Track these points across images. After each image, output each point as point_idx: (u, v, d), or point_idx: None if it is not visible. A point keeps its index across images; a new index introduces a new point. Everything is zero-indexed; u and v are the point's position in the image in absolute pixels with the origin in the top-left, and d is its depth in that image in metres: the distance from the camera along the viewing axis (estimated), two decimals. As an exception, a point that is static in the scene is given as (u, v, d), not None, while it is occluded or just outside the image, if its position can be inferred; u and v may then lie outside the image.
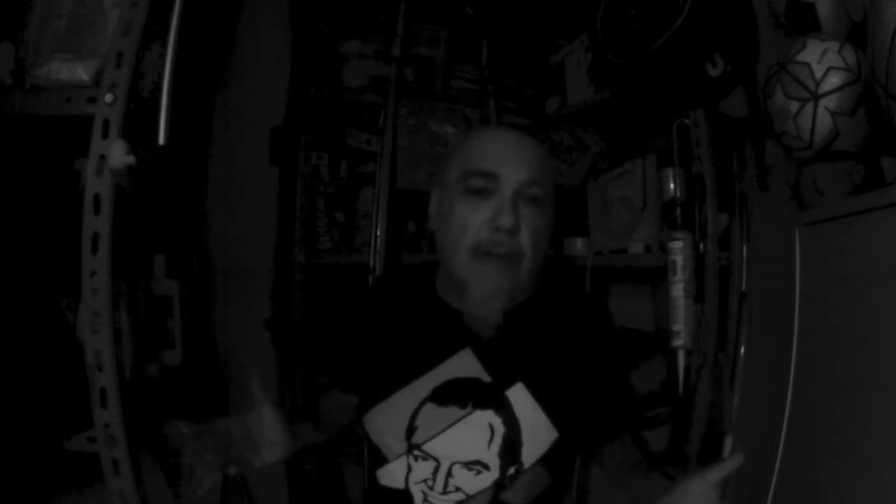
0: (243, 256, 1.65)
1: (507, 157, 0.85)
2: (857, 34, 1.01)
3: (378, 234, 1.69)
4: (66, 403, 0.97)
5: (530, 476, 0.85)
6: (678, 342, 1.38)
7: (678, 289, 1.38)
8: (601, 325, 0.96)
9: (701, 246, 1.39)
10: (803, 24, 1.08)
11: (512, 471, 0.85)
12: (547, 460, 0.85)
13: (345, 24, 1.80)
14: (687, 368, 1.38)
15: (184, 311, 1.26)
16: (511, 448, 0.84)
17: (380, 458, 0.89)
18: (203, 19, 1.21)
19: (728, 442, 1.36)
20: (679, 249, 1.38)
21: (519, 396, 0.85)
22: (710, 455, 1.38)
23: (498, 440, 0.84)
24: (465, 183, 0.85)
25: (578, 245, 1.74)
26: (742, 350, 1.39)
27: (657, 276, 1.47)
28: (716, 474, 0.73)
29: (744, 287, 1.40)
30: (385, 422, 0.89)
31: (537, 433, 0.85)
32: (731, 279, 1.41)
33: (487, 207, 0.83)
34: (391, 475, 0.88)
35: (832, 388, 0.99)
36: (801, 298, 1.10)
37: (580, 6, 1.52)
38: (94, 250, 0.90)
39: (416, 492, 0.86)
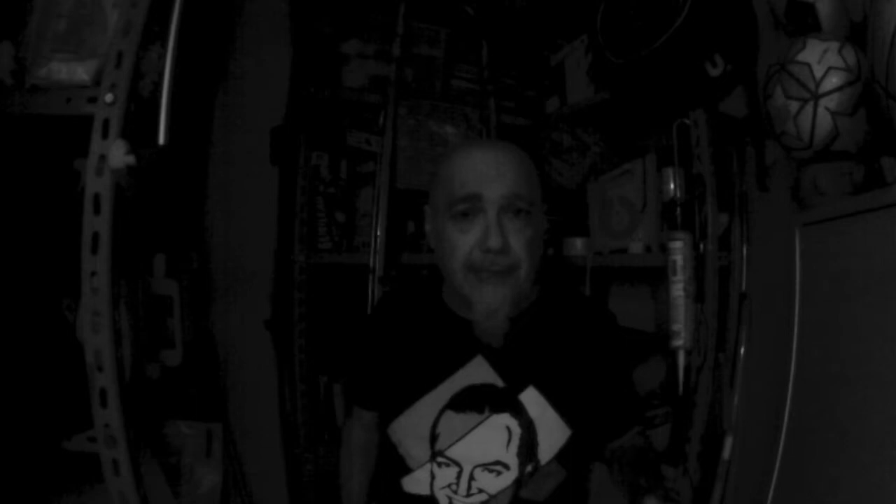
0: (243, 256, 1.65)
1: (487, 176, 0.86)
2: (857, 34, 1.01)
3: (378, 234, 1.69)
4: (66, 403, 0.97)
5: (545, 471, 0.90)
6: (678, 342, 1.38)
7: (678, 289, 1.37)
8: (605, 326, 0.99)
9: (701, 246, 1.39)
10: (803, 24, 1.08)
11: (530, 468, 0.89)
12: (562, 456, 0.90)
13: (345, 24, 1.80)
14: (687, 368, 1.38)
15: (184, 311, 1.25)
16: (528, 447, 0.89)
17: (404, 467, 0.92)
18: (203, 20, 1.21)
19: (728, 442, 1.37)
20: (679, 249, 1.38)
21: (531, 399, 0.89)
22: (710, 455, 1.38)
23: (515, 441, 0.89)
24: (451, 210, 0.87)
25: (578, 245, 1.74)
26: (742, 350, 1.39)
27: (657, 276, 1.47)
28: None
29: (744, 287, 1.40)
30: (409, 431, 0.92)
31: (552, 432, 0.89)
32: (731, 279, 1.41)
33: (475, 229, 0.86)
34: (416, 483, 0.92)
35: (832, 387, 0.99)
36: (801, 298, 1.10)
37: (580, 6, 1.52)
38: (94, 250, 0.90)
39: (442, 497, 0.90)
